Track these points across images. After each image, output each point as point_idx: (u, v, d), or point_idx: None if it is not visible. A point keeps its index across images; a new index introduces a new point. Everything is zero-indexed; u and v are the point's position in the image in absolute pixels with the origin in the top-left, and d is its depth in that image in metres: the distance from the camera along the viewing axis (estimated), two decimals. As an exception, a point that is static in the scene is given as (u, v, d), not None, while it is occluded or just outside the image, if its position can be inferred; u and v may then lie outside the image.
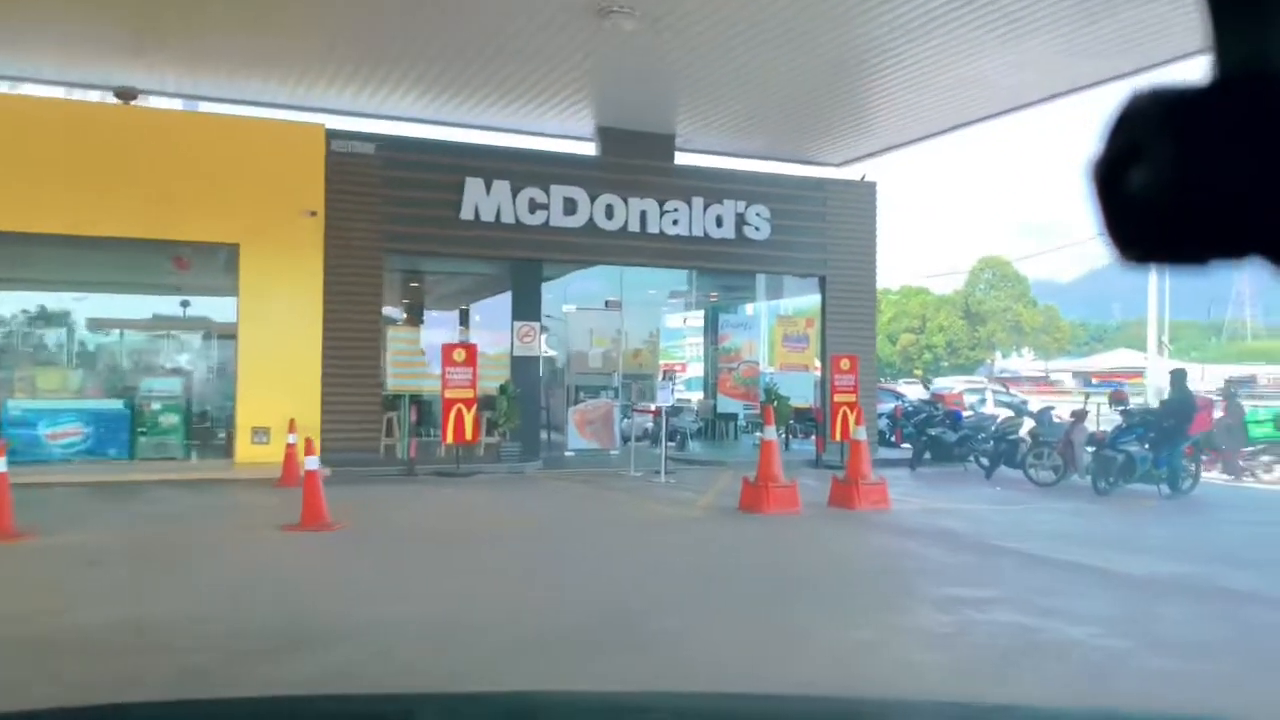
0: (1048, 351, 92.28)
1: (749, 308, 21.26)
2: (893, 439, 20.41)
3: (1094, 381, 74.89)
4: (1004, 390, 21.10)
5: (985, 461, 16.34)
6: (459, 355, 15.09)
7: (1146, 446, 14.15)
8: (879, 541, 10.21)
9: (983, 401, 18.39)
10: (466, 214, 16.57)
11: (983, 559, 9.14)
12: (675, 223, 18.02)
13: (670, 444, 16.03)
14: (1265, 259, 0.46)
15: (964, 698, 4.16)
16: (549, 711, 1.68)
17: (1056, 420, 15.90)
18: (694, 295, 20.68)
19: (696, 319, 22.55)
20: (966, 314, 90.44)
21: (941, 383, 26.42)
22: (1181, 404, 14.26)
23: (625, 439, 17.17)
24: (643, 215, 17.82)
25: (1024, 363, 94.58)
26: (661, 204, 17.93)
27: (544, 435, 18.17)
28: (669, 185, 18.07)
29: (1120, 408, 14.62)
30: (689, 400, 22.24)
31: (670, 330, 23.66)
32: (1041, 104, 16.11)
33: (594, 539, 10.16)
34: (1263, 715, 4.56)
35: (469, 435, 14.97)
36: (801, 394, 18.67)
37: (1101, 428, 15.61)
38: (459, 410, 14.74)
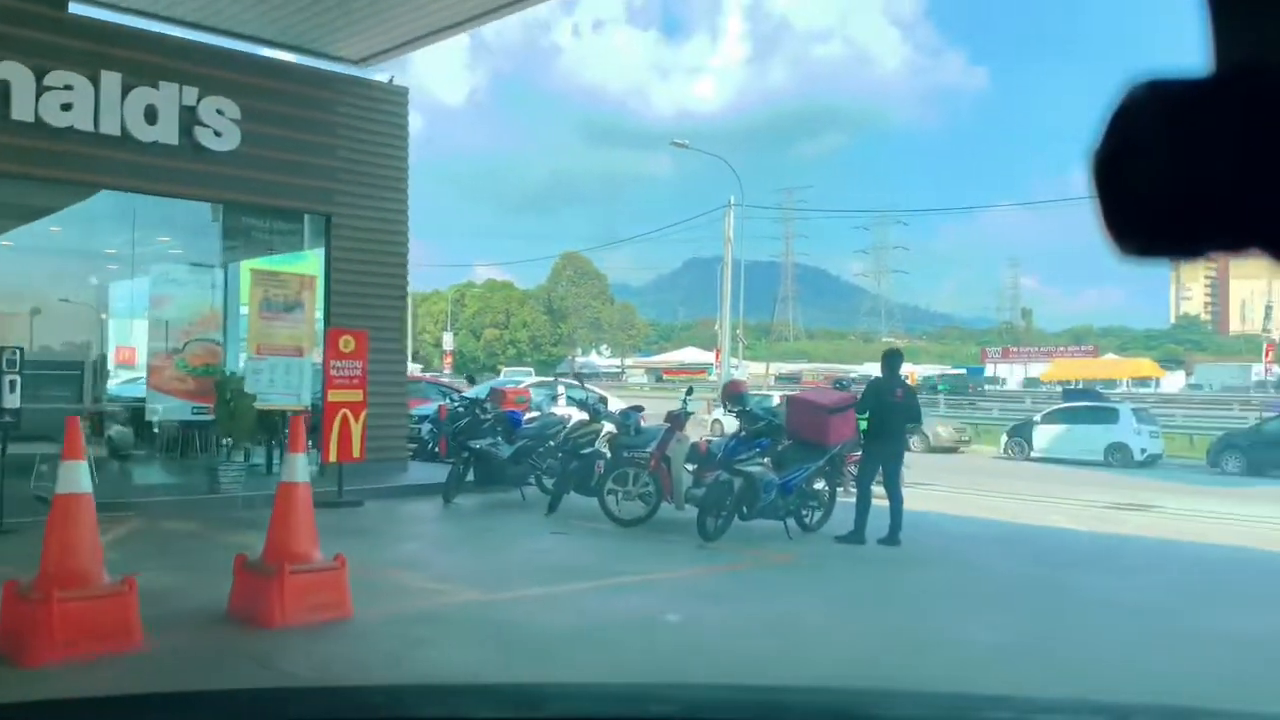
0: (624, 348, 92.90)
1: (217, 260, 14.04)
2: (437, 450, 14.54)
3: (665, 377, 75.61)
4: (580, 386, 16.08)
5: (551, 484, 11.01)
6: None
7: (769, 462, 9.52)
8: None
9: (552, 399, 13.06)
10: None
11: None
12: (67, 108, 10.74)
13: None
14: (1263, 250, 0.46)
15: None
16: (554, 702, 1.57)
17: (645, 425, 10.90)
18: (132, 235, 13.20)
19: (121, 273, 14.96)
20: (549, 310, 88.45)
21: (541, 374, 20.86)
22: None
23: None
24: (3, 90, 10.39)
25: (602, 359, 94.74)
26: (41, 75, 10.58)
27: None
28: (56, 46, 10.75)
29: (738, 408, 9.83)
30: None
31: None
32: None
33: None
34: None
35: None
36: (293, 389, 12.20)
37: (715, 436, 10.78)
38: None
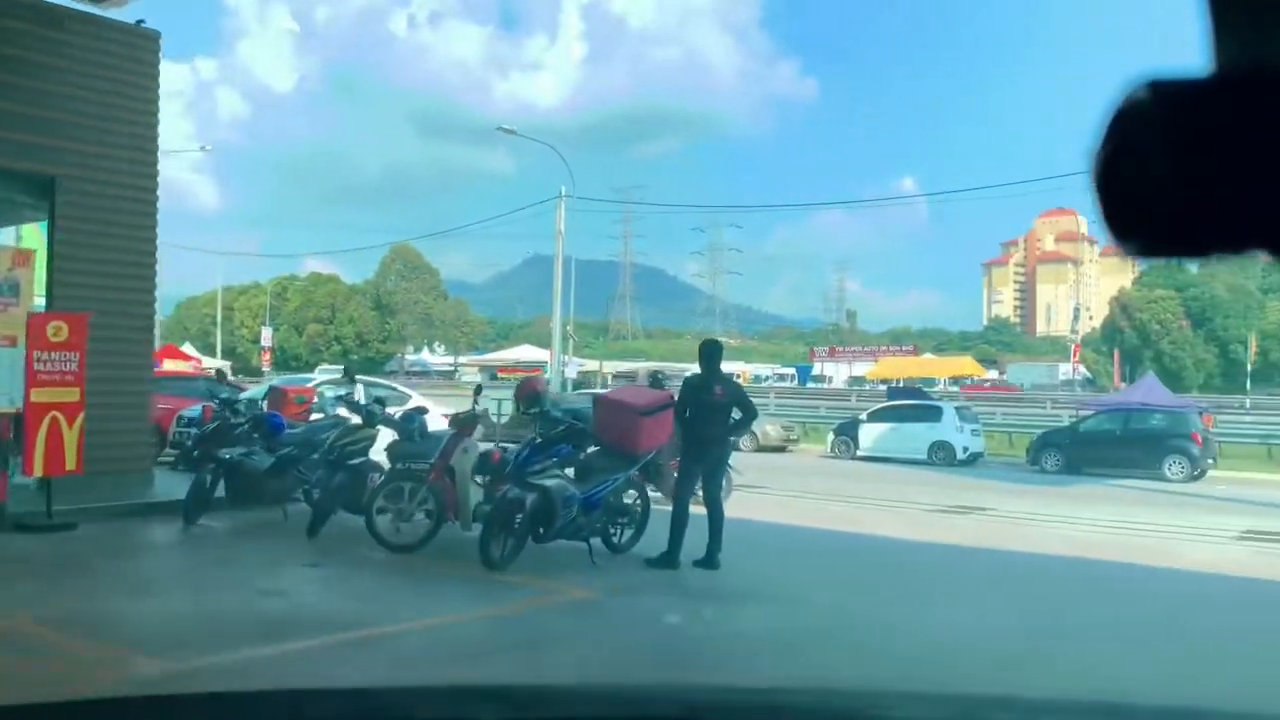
0: (458, 346, 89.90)
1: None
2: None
3: (499, 376, 73.60)
4: (383, 385, 14.14)
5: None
6: None
7: (572, 473, 8.08)
8: None
9: (339, 401, 11.14)
10: None
11: None
12: None
13: None
14: (1264, 251, 0.46)
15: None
16: (556, 703, 1.63)
17: (432, 431, 9.25)
18: None
19: None
20: (378, 305, 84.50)
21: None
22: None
23: None
24: None
25: (436, 357, 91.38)
26: None
27: None
28: None
29: (535, 409, 8.27)
30: None
31: None
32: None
33: None
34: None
35: None
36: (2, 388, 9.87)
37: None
38: None
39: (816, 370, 62.88)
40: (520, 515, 7.52)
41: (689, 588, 7.51)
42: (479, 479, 8.49)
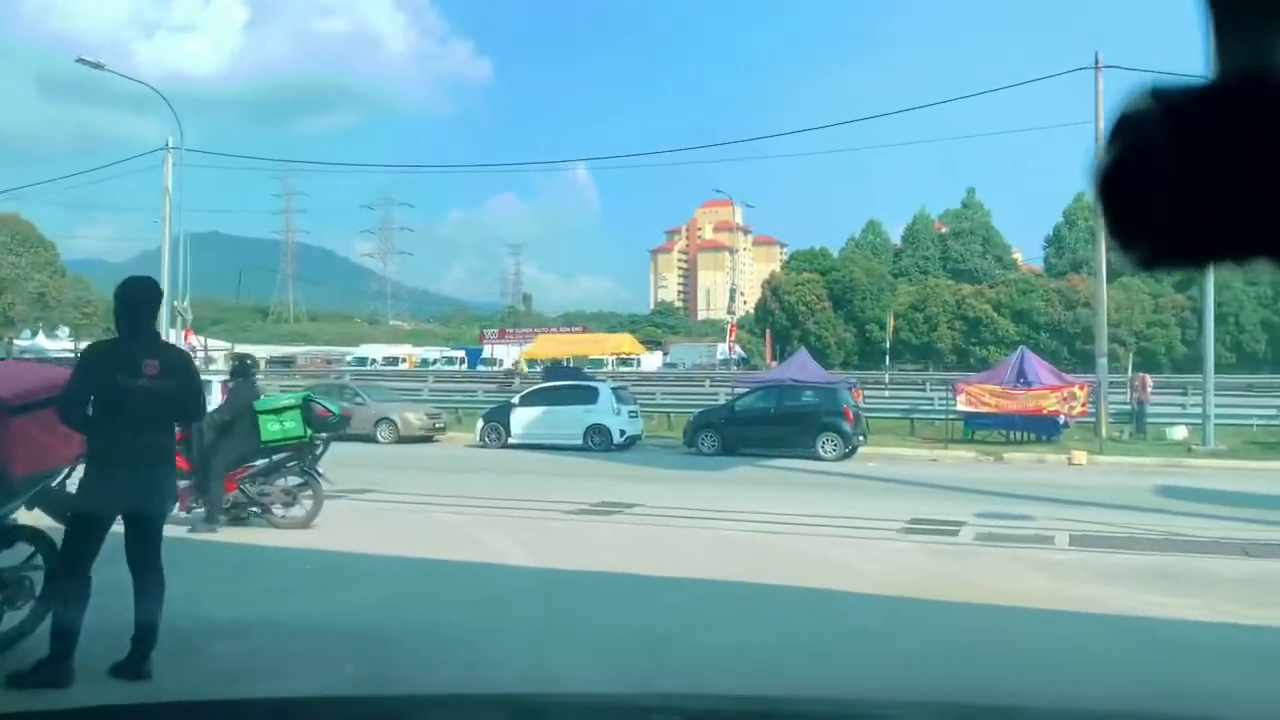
0: (86, 330, 77.80)
1: None
2: None
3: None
4: None
5: None
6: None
7: None
8: None
9: None
10: None
11: None
12: None
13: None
14: (1268, 259, 0.45)
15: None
16: (555, 713, 1.56)
17: None
18: None
19: None
20: (-27, 280, 71.04)
21: None
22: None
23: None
24: None
25: (56, 342, 78.59)
26: None
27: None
28: None
29: None
30: None
31: None
32: None
33: None
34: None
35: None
36: None
37: None
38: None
39: (487, 353, 60.08)
40: None
41: None
42: None
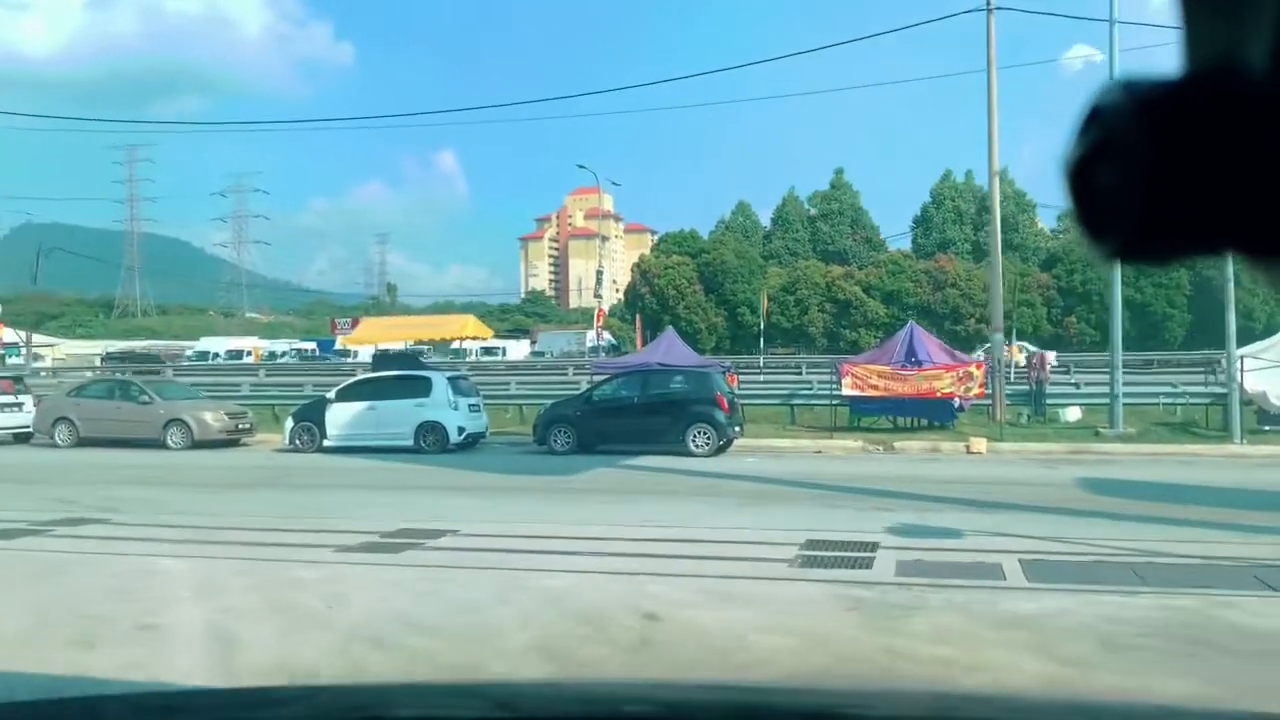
0: None
1: None
2: None
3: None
4: None
5: None
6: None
7: None
8: None
9: None
10: None
11: None
12: None
13: None
14: (1238, 253, 0.45)
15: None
16: (531, 702, 1.51)
17: None
18: None
19: None
20: None
21: None
22: None
23: None
24: None
25: None
26: None
27: None
28: None
29: None
30: None
31: None
32: None
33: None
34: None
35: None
36: None
37: None
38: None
39: (339, 344, 55.36)
40: None
41: None
42: None
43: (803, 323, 53.27)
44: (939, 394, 17.44)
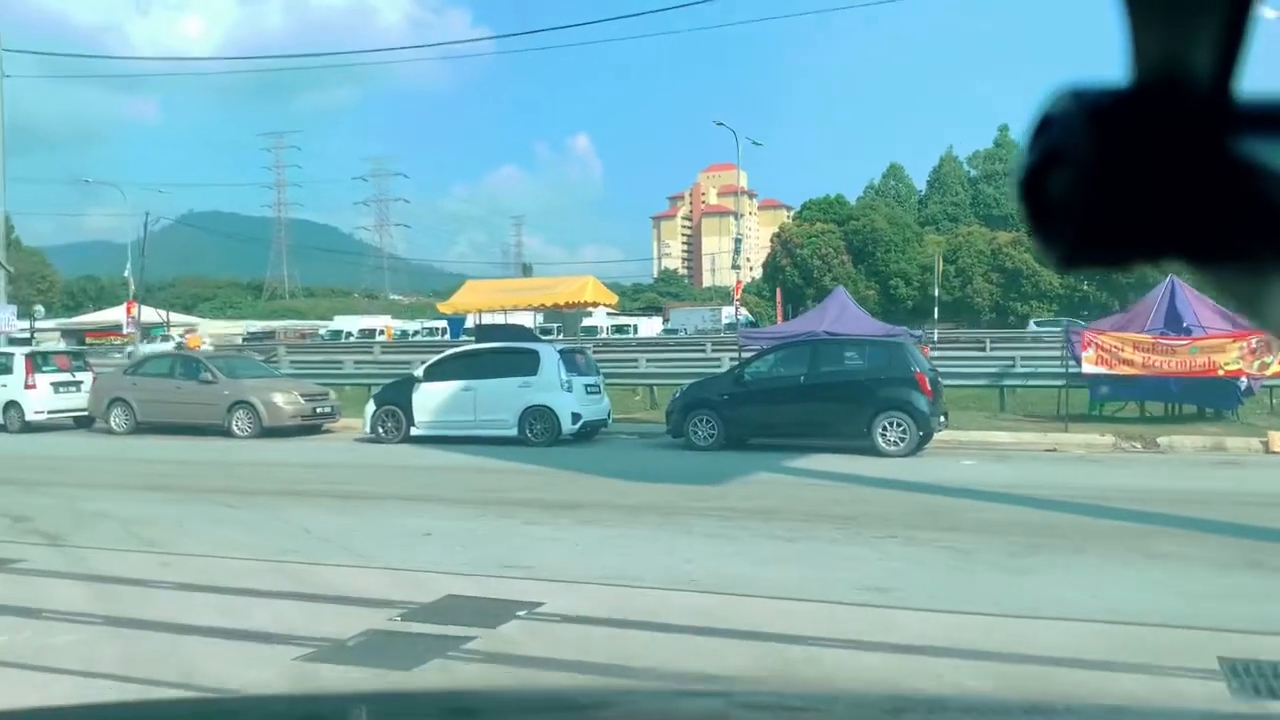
0: (44, 308, 71.18)
1: None
2: None
3: (89, 341, 57.97)
4: None
5: None
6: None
7: None
8: None
9: None
10: None
11: None
12: None
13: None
14: (1183, 259, 0.45)
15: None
16: (490, 709, 1.45)
17: None
18: None
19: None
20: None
21: None
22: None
23: None
24: None
25: (33, 321, 72.02)
26: None
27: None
28: None
29: None
30: None
31: None
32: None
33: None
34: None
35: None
36: None
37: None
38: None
39: (470, 323, 53.23)
40: None
41: None
42: None
43: (966, 294, 47.43)
44: (1221, 371, 12.55)
